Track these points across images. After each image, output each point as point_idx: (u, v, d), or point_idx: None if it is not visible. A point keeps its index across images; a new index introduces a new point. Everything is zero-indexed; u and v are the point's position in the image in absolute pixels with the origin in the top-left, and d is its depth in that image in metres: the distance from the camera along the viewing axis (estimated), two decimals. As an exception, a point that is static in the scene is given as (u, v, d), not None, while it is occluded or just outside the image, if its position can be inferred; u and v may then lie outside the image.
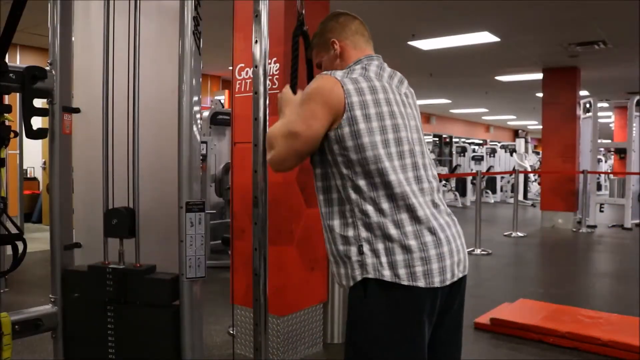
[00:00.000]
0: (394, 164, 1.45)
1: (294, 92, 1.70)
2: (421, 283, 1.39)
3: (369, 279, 1.42)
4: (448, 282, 1.45)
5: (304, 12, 1.90)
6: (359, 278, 1.43)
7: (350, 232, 1.45)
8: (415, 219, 1.43)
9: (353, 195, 1.45)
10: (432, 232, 1.43)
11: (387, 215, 1.42)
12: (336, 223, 1.49)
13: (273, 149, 1.54)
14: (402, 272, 1.39)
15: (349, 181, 1.45)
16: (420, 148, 1.55)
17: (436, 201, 1.52)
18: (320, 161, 1.53)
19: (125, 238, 1.83)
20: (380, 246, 1.41)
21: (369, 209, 1.43)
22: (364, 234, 1.43)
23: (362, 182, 1.44)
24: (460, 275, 1.51)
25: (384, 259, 1.40)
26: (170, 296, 1.77)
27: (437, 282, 1.41)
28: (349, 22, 1.68)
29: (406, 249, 1.40)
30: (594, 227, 9.46)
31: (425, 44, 7.70)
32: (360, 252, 1.43)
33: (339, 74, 1.52)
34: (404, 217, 1.42)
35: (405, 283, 1.39)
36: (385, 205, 1.42)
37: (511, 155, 16.30)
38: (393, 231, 1.41)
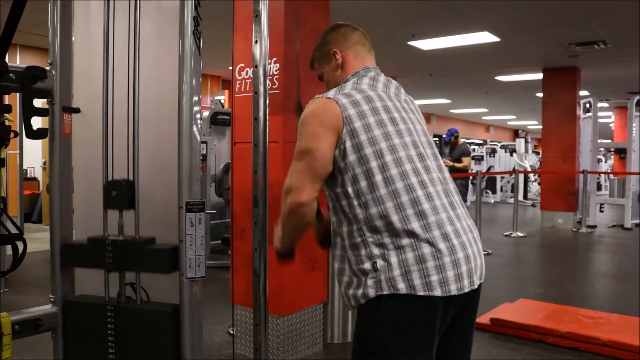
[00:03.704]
0: (404, 168, 1.43)
1: None
2: (437, 292, 1.36)
3: (383, 295, 1.38)
4: (467, 290, 1.41)
5: None
6: (372, 295, 1.39)
7: (362, 251, 1.42)
8: (427, 226, 1.39)
9: (361, 215, 1.42)
10: (446, 238, 1.40)
11: (398, 226, 1.38)
12: (347, 244, 1.47)
13: (291, 185, 1.47)
14: (417, 282, 1.36)
15: (356, 199, 1.43)
16: (431, 150, 1.53)
17: (454, 203, 1.48)
18: (328, 183, 1.52)
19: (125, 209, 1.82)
20: (393, 260, 1.37)
21: (379, 224, 1.39)
22: (375, 250, 1.39)
23: (369, 197, 1.41)
24: (478, 282, 1.47)
25: (397, 272, 1.36)
26: (169, 267, 1.76)
27: (454, 289, 1.38)
28: (350, 33, 1.68)
29: (420, 259, 1.36)
30: (594, 227, 9.46)
31: (425, 44, 7.70)
32: (375, 269, 1.39)
33: (330, 93, 1.52)
34: (415, 226, 1.38)
35: (422, 293, 1.36)
36: (394, 217, 1.39)
37: (511, 155, 16.31)
38: (406, 241, 1.37)
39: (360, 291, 1.42)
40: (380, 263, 1.38)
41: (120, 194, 1.80)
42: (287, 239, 1.65)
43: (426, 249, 1.37)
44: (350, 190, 1.44)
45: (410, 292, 1.36)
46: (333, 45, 1.67)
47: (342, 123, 1.44)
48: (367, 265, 1.40)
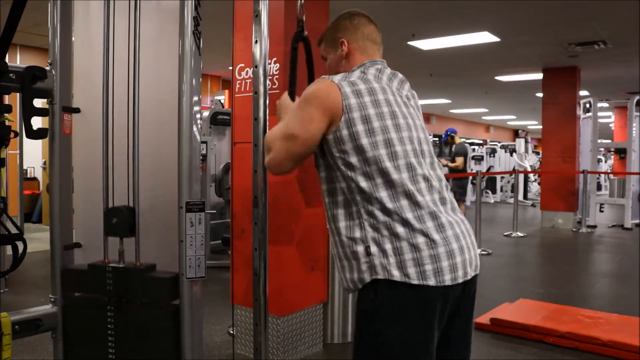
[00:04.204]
0: (398, 162, 1.44)
1: (293, 99, 1.72)
2: (431, 282, 1.37)
3: (378, 280, 1.39)
4: (460, 280, 1.42)
5: (304, 18, 1.90)
6: (367, 279, 1.41)
7: (357, 234, 1.44)
8: (421, 217, 1.41)
9: (358, 197, 1.44)
10: (440, 229, 1.41)
11: (394, 214, 1.40)
12: (342, 225, 1.48)
13: (271, 152, 1.55)
14: (411, 271, 1.37)
15: (353, 182, 1.44)
16: (427, 147, 1.55)
17: (446, 199, 1.50)
18: (324, 164, 1.53)
19: (126, 237, 1.83)
20: (388, 246, 1.39)
21: (375, 209, 1.41)
22: (370, 234, 1.41)
23: (364, 184, 1.43)
24: (473, 274, 1.48)
25: (392, 259, 1.38)
26: (170, 295, 1.76)
27: (447, 280, 1.39)
28: (362, 26, 1.67)
29: (414, 247, 1.38)
30: (594, 227, 9.46)
31: (425, 44, 7.70)
32: (368, 253, 1.41)
33: (337, 77, 1.53)
34: (411, 216, 1.40)
35: (415, 282, 1.37)
36: (390, 205, 1.40)
37: (511, 155, 16.30)
38: (400, 229, 1.39)
39: (355, 275, 1.44)
40: (373, 248, 1.40)
41: (120, 221, 1.81)
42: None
43: (420, 239, 1.39)
44: (347, 174, 1.46)
45: (405, 280, 1.37)
46: (342, 34, 1.66)
47: (341, 111, 1.45)
48: (360, 248, 1.42)
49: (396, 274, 1.37)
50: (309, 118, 1.48)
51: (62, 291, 1.90)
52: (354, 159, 1.44)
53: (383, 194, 1.41)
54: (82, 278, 1.88)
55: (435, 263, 1.38)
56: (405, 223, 1.39)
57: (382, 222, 1.40)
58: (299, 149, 1.51)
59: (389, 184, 1.42)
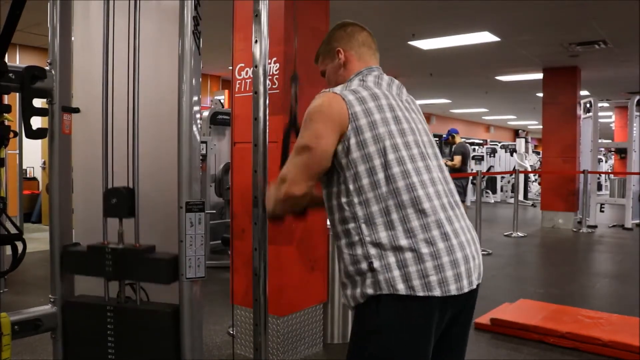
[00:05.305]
0: (406, 167, 1.43)
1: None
2: (437, 292, 1.36)
3: (381, 295, 1.38)
4: (466, 290, 1.41)
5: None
6: (370, 294, 1.39)
7: (359, 250, 1.42)
8: (427, 225, 1.39)
9: (360, 212, 1.42)
10: (445, 238, 1.40)
11: (397, 225, 1.38)
12: (343, 243, 1.47)
13: (287, 176, 1.51)
14: (416, 283, 1.35)
15: (356, 196, 1.43)
16: (432, 150, 1.54)
17: (453, 203, 1.49)
18: (327, 180, 1.52)
19: (125, 217, 1.81)
20: (391, 260, 1.37)
21: (378, 222, 1.40)
22: (372, 250, 1.39)
23: (370, 195, 1.41)
24: (477, 282, 1.47)
25: (396, 272, 1.36)
26: (169, 275, 1.75)
27: (453, 289, 1.38)
28: (356, 33, 1.67)
29: (419, 259, 1.36)
30: (595, 227, 9.46)
31: (425, 44, 7.70)
32: (372, 269, 1.39)
33: (337, 88, 1.53)
34: (415, 225, 1.38)
35: (421, 294, 1.35)
36: (395, 215, 1.39)
37: (511, 155, 16.30)
38: (404, 242, 1.37)
39: (358, 291, 1.42)
40: (377, 263, 1.38)
41: (120, 202, 1.80)
42: (277, 212, 1.64)
43: (425, 249, 1.37)
44: (351, 187, 1.44)
45: (410, 293, 1.35)
46: (338, 44, 1.67)
47: (348, 120, 1.45)
48: (363, 265, 1.41)
49: (401, 288, 1.35)
50: (316, 134, 1.46)
51: (62, 272, 1.89)
52: (361, 168, 1.43)
53: (389, 203, 1.40)
54: (82, 259, 1.87)
55: (440, 273, 1.37)
56: (410, 233, 1.38)
57: (384, 236, 1.39)
58: (314, 161, 1.47)
59: (396, 191, 1.40)
